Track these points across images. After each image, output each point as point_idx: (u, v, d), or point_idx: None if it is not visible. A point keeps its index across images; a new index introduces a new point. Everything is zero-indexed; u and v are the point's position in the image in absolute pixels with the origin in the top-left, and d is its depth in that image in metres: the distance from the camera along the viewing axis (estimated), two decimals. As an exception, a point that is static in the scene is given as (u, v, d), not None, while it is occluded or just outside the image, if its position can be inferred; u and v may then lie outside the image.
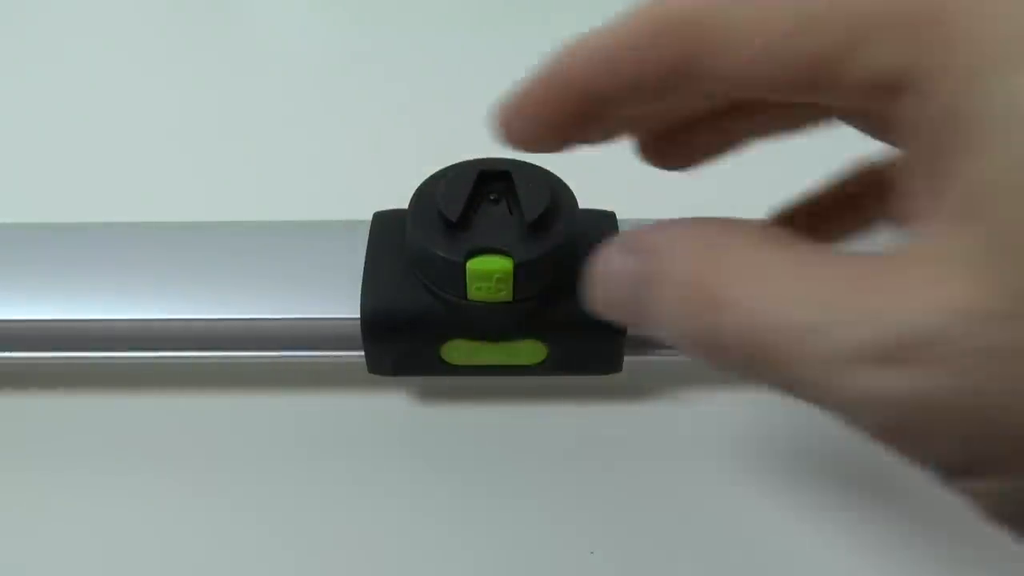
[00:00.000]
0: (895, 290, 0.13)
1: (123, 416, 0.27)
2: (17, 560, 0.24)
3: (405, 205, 0.25)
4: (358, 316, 0.25)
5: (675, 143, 0.20)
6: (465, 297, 0.23)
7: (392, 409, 0.27)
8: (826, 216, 0.21)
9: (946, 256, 0.13)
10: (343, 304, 0.25)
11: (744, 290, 0.15)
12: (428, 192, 0.24)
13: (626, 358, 0.26)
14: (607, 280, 0.19)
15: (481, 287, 0.23)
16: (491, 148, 0.24)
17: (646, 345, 0.26)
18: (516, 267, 0.23)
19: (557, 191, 0.24)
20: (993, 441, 0.13)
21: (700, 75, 0.16)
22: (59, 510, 0.25)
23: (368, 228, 0.26)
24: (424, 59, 0.42)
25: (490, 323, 0.24)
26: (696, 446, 0.26)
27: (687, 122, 0.20)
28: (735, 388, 0.28)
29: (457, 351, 0.25)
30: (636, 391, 0.28)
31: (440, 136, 0.36)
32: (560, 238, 0.23)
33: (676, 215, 0.28)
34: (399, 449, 0.27)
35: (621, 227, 0.26)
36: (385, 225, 0.26)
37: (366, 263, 0.25)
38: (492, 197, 0.24)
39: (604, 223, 0.26)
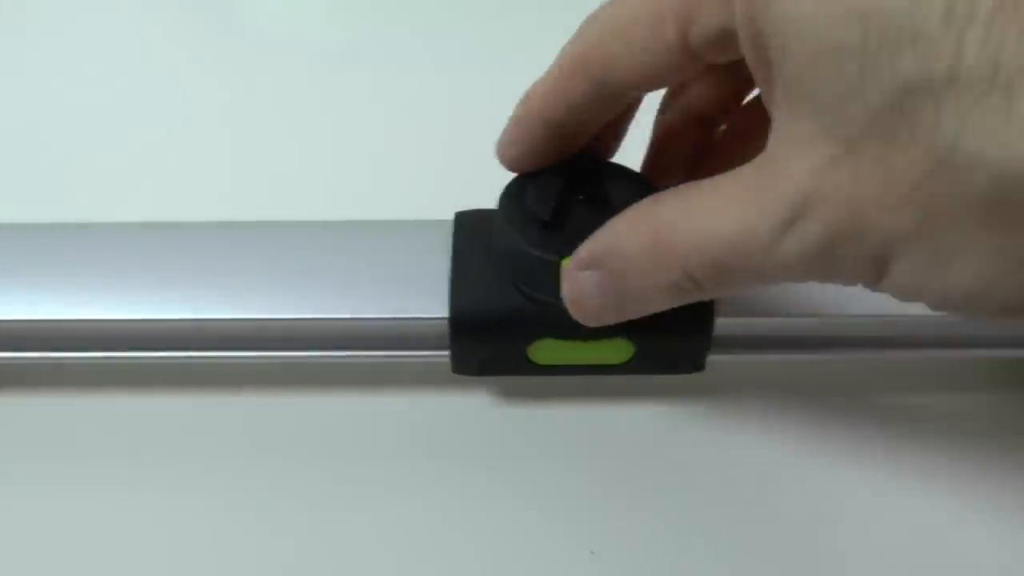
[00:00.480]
0: (776, 179, 0.18)
1: (155, 416, 0.27)
2: (17, 560, 0.24)
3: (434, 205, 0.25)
4: (445, 316, 0.25)
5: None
6: (558, 296, 0.23)
7: (469, 409, 0.27)
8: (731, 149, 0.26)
9: (792, 139, 0.18)
10: (430, 304, 0.25)
11: (689, 232, 0.20)
12: (517, 192, 0.24)
13: (710, 358, 0.26)
14: (581, 298, 0.22)
15: (575, 286, 0.23)
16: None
17: (732, 344, 0.26)
18: (611, 266, 0.23)
19: (646, 191, 0.24)
20: (867, 245, 0.18)
21: (611, 85, 0.21)
22: (59, 510, 0.25)
23: (450, 228, 0.26)
24: (471, 56, 0.42)
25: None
26: (696, 445, 0.27)
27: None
28: (734, 392, 0.28)
29: (545, 351, 0.25)
30: (622, 391, 0.28)
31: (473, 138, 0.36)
32: (652, 237, 0.23)
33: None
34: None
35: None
36: (467, 225, 0.26)
37: (453, 263, 0.25)
38: (581, 197, 0.24)
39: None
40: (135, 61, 0.42)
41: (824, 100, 0.17)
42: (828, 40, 0.17)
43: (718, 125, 0.25)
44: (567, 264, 0.23)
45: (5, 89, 0.40)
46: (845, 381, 0.28)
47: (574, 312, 0.23)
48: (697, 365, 0.26)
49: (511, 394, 0.28)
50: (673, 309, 0.23)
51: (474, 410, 0.27)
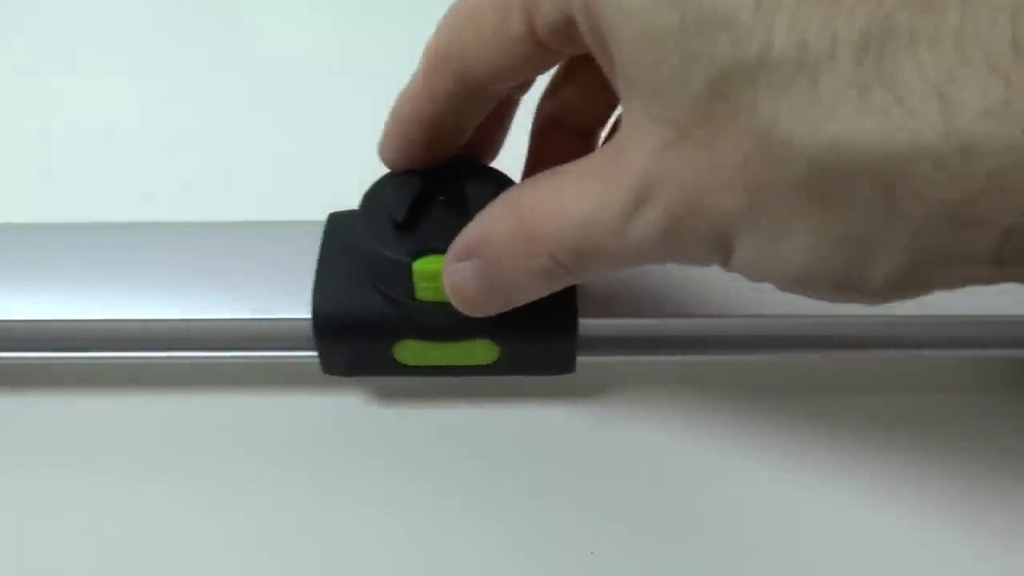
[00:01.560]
0: (621, 164, 0.19)
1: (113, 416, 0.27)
2: (16, 560, 0.24)
3: None
4: (310, 317, 0.25)
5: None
6: (413, 297, 0.23)
7: (350, 409, 0.27)
8: None
9: (632, 125, 0.18)
10: (296, 304, 0.25)
11: (550, 218, 0.20)
12: (378, 192, 0.24)
13: (579, 359, 0.26)
14: (462, 289, 0.22)
15: (428, 287, 0.23)
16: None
17: (600, 346, 0.26)
18: (463, 267, 0.23)
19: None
20: (706, 226, 0.18)
21: (470, 79, 0.22)
22: (57, 510, 0.25)
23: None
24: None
25: (440, 323, 0.24)
26: (693, 445, 0.27)
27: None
28: (714, 385, 0.28)
29: (409, 351, 0.25)
30: (621, 390, 0.28)
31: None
32: (509, 238, 0.23)
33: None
34: (363, 450, 0.27)
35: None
36: (339, 226, 0.26)
37: (319, 263, 0.25)
38: (441, 198, 0.24)
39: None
40: (127, 62, 0.42)
41: (653, 85, 0.18)
42: (651, 25, 0.17)
43: (594, 134, 0.25)
44: (419, 265, 0.23)
45: (5, 89, 0.40)
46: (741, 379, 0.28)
47: (456, 303, 0.23)
48: (567, 366, 0.26)
49: (385, 395, 0.28)
50: (536, 310, 0.23)
51: (346, 410, 0.27)
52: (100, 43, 0.43)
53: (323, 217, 0.27)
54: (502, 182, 0.24)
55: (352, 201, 0.26)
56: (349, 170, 0.25)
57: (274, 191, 0.35)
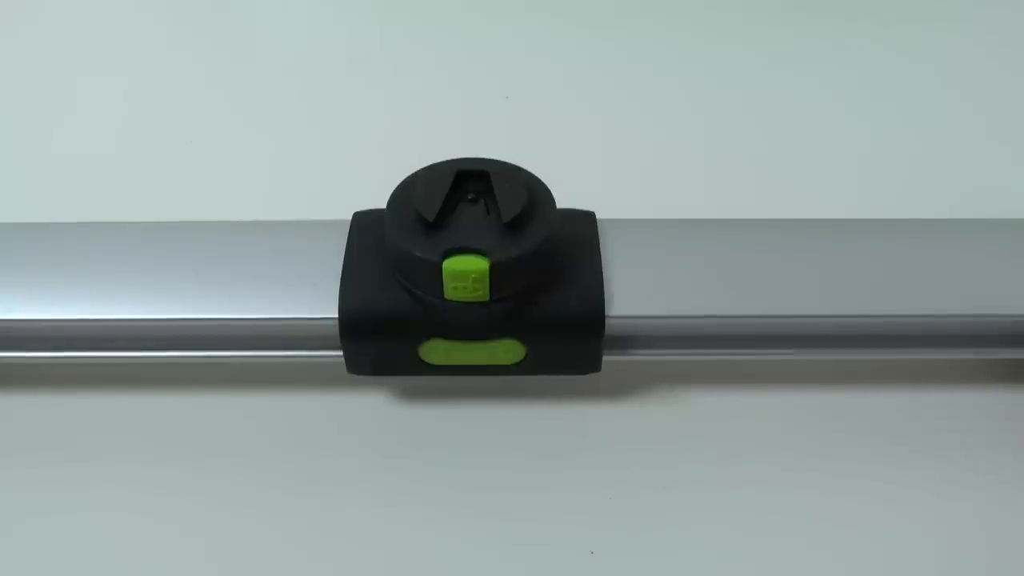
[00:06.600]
0: None
1: (115, 415, 0.27)
2: (16, 559, 0.24)
3: None
4: (336, 316, 0.25)
5: None
6: (442, 297, 0.23)
7: (373, 409, 0.27)
8: None
9: None
10: (321, 304, 0.25)
11: None
12: (406, 192, 0.24)
13: (605, 358, 0.26)
14: None
15: (457, 287, 0.23)
16: (496, 146, 0.23)
17: (625, 345, 0.26)
18: (492, 267, 0.23)
19: (535, 191, 0.24)
20: None
21: None
22: (57, 509, 0.25)
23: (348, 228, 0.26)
24: (422, 57, 0.42)
25: (467, 323, 0.24)
26: (692, 445, 0.27)
27: None
28: (720, 387, 0.28)
29: (435, 351, 0.25)
30: (621, 390, 0.28)
31: (435, 134, 0.36)
32: (538, 238, 0.23)
33: (653, 215, 0.28)
34: (382, 449, 0.27)
35: (600, 227, 0.26)
36: (364, 225, 0.26)
37: (344, 263, 0.25)
38: (470, 197, 0.24)
39: (583, 223, 0.26)
40: (120, 62, 0.42)
41: None
42: None
43: None
44: (448, 265, 0.23)
45: (4, 88, 0.40)
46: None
47: None
48: (592, 366, 0.26)
49: (408, 394, 0.28)
50: (563, 310, 0.23)
51: (369, 409, 0.27)
52: (99, 40, 0.43)
53: (346, 216, 0.27)
54: (529, 182, 0.24)
55: (370, 201, 0.26)
56: (370, 170, 0.25)
57: (296, 191, 0.35)
